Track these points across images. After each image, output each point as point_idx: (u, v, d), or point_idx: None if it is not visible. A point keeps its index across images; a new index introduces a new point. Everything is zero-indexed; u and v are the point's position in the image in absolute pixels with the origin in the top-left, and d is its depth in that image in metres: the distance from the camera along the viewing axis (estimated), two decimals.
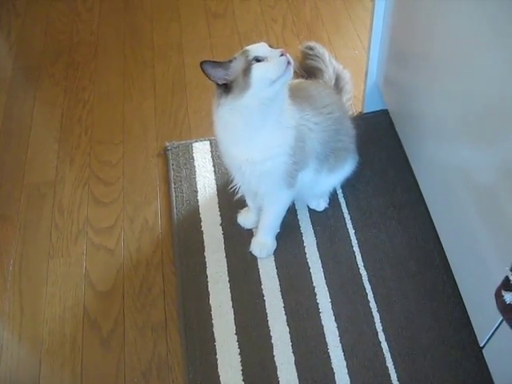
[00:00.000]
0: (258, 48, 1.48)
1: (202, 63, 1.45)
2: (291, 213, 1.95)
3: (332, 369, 1.65)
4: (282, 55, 1.44)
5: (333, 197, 2.00)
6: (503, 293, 1.11)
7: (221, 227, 1.97)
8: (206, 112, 2.35)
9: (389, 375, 1.63)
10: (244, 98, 1.47)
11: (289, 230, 1.94)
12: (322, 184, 1.88)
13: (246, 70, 1.45)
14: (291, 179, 1.69)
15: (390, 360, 1.65)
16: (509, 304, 1.10)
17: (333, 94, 1.93)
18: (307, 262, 1.87)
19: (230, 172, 1.76)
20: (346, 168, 1.89)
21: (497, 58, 1.27)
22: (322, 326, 1.73)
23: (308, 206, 2.00)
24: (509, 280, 1.09)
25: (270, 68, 1.44)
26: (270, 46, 1.50)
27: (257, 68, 1.44)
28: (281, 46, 1.54)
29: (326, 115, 1.72)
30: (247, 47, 1.50)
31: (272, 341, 1.71)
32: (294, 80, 1.82)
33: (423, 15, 1.66)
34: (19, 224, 2.06)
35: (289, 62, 1.45)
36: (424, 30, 1.67)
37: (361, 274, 1.83)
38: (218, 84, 1.51)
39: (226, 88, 1.49)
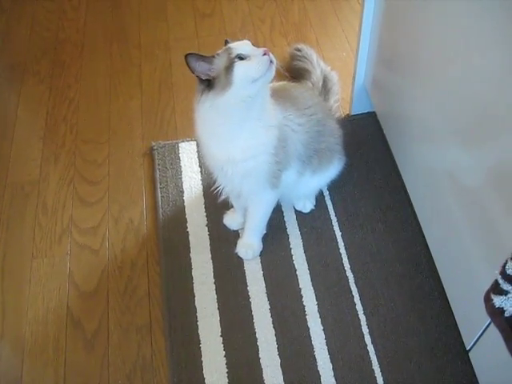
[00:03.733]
0: (242, 46, 1.47)
1: (186, 55, 1.44)
2: (277, 214, 1.95)
3: (318, 371, 1.64)
4: (264, 54, 1.43)
5: (319, 198, 2.00)
6: (492, 296, 1.11)
7: (207, 228, 1.96)
8: (193, 112, 2.33)
9: (375, 378, 1.63)
10: (225, 96, 1.46)
11: (275, 231, 1.93)
12: (306, 185, 1.87)
13: (229, 68, 1.44)
14: (274, 179, 1.68)
15: (376, 363, 1.65)
16: (498, 308, 1.10)
17: (315, 96, 1.92)
18: (293, 264, 1.86)
19: (212, 173, 1.74)
20: (332, 170, 1.88)
21: (485, 62, 1.27)
22: (308, 329, 1.72)
23: (294, 208, 1.99)
24: (498, 284, 1.09)
25: (252, 67, 1.43)
26: (254, 45, 1.49)
27: (239, 66, 1.43)
28: (265, 46, 1.53)
29: (309, 116, 1.71)
30: (230, 44, 1.49)
31: (258, 343, 1.70)
32: (277, 82, 1.81)
33: (412, 18, 1.66)
34: (2, 223, 2.03)
35: (271, 61, 1.43)
36: (413, 32, 1.67)
37: (347, 277, 1.82)
38: (200, 79, 1.50)
39: (209, 84, 1.49)
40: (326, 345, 1.69)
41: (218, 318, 1.75)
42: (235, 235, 1.93)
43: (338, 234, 1.92)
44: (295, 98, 1.72)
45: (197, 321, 1.75)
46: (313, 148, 1.74)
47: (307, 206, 1.97)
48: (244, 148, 1.58)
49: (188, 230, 1.96)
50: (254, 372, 1.65)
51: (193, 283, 1.83)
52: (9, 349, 1.76)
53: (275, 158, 1.62)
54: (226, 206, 1.94)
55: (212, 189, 1.79)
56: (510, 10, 1.14)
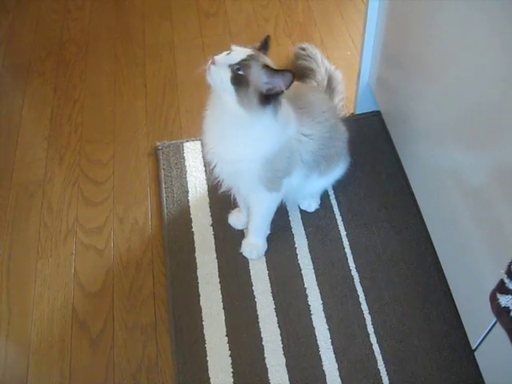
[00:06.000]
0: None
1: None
2: (282, 214, 1.94)
3: (323, 371, 1.64)
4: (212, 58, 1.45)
5: (324, 198, 2.00)
6: (498, 296, 1.11)
7: (211, 228, 1.96)
8: (198, 111, 2.33)
9: (380, 378, 1.62)
10: None
11: (280, 231, 1.92)
12: (311, 186, 1.87)
13: None
14: (271, 185, 1.67)
15: (382, 362, 1.65)
16: (504, 307, 1.10)
17: (328, 100, 1.92)
18: (298, 264, 1.86)
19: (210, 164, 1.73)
20: (338, 171, 1.88)
21: (491, 61, 1.27)
22: (314, 328, 1.72)
23: (299, 207, 1.99)
24: (504, 283, 1.09)
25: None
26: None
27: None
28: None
29: (323, 123, 1.70)
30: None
31: (263, 343, 1.70)
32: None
33: (417, 16, 1.65)
34: (7, 223, 2.04)
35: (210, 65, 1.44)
36: (418, 31, 1.67)
37: (352, 276, 1.82)
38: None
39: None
40: (332, 344, 1.69)
41: (223, 318, 1.75)
42: (240, 235, 1.93)
43: (343, 233, 1.92)
44: (312, 104, 1.71)
45: (202, 320, 1.75)
46: (322, 154, 1.74)
47: (312, 205, 1.97)
48: (232, 150, 1.58)
49: (193, 229, 1.96)
50: (259, 372, 1.65)
51: (198, 283, 1.83)
52: (14, 349, 1.76)
53: (267, 167, 1.60)
54: (231, 205, 1.94)
55: (212, 179, 1.77)
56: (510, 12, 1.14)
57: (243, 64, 1.43)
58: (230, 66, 1.43)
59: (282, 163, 1.63)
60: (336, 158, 1.82)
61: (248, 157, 1.58)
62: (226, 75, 1.43)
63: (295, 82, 1.75)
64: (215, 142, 1.61)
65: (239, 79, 1.43)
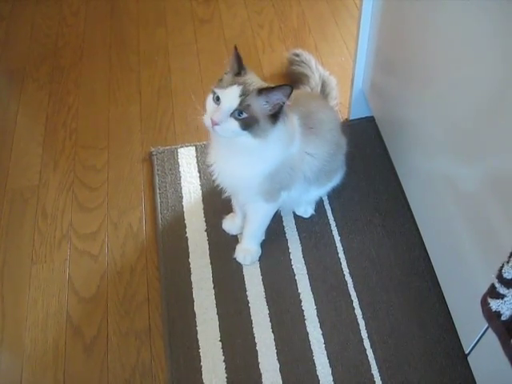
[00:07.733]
0: (225, 93, 1.42)
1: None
2: (277, 219, 1.94)
3: (317, 376, 1.64)
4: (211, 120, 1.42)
5: (318, 203, 2.00)
6: (489, 300, 1.12)
7: (206, 233, 1.96)
8: (192, 117, 2.34)
9: (374, 382, 1.63)
10: None
11: (274, 236, 1.93)
12: (309, 195, 1.89)
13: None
14: (269, 196, 1.68)
15: (375, 367, 1.65)
16: (495, 311, 1.11)
17: (336, 116, 1.92)
18: (292, 269, 1.86)
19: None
20: (335, 180, 1.90)
21: (487, 66, 1.27)
22: (307, 333, 1.72)
23: (294, 213, 1.99)
24: (495, 287, 1.10)
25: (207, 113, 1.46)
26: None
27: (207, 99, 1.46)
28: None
29: (329, 141, 1.72)
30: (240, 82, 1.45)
31: (257, 348, 1.70)
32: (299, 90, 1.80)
33: (410, 22, 1.66)
34: (1, 229, 2.04)
35: (213, 128, 1.42)
36: (410, 38, 1.68)
37: (346, 281, 1.82)
38: None
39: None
40: (325, 349, 1.69)
41: (217, 323, 1.75)
42: (234, 240, 1.93)
43: (337, 238, 1.92)
44: (321, 122, 1.71)
45: (196, 326, 1.75)
46: (324, 170, 1.75)
47: (308, 211, 1.98)
48: (234, 170, 1.60)
49: (187, 235, 1.96)
50: (253, 377, 1.65)
51: (192, 288, 1.83)
52: (8, 354, 1.76)
53: (267, 181, 1.61)
54: (225, 210, 1.95)
55: (214, 186, 1.78)
56: (507, 17, 1.15)
57: (242, 107, 1.40)
58: (231, 115, 1.41)
59: (282, 177, 1.64)
60: (335, 171, 1.85)
61: (249, 175, 1.59)
62: (234, 125, 1.41)
63: (304, 91, 1.71)
64: (219, 160, 1.63)
65: (247, 121, 1.42)
